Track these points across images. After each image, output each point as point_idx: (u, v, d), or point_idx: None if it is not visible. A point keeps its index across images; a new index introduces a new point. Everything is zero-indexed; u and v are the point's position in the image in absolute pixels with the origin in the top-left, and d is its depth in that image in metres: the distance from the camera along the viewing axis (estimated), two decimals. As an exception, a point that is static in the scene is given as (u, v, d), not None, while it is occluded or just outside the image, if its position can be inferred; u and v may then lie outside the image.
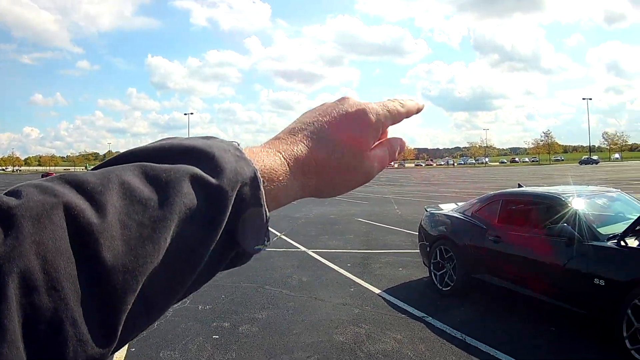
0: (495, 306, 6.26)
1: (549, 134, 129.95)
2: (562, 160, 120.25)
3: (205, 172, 0.42)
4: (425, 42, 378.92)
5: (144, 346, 4.91)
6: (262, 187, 0.46)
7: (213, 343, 5.06)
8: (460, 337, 5.17)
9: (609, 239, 5.17)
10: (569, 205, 5.76)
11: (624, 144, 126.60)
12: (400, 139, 0.64)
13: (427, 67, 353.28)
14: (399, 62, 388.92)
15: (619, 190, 7.03)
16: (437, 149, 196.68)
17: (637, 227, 5.08)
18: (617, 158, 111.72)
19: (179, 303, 3.90)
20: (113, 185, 0.38)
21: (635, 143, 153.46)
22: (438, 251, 7.03)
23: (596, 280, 4.90)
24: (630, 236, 5.14)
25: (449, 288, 6.74)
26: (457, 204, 7.92)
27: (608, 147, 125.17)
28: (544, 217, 5.96)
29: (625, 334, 4.54)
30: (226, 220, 0.43)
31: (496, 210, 6.63)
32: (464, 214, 7.09)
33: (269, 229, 0.48)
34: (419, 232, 7.83)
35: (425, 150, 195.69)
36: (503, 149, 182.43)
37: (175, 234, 0.39)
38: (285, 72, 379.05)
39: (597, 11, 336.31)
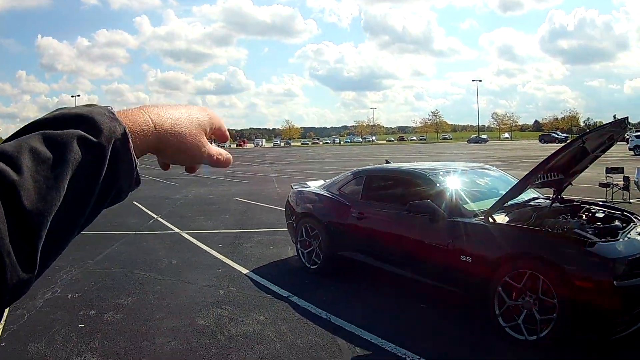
0: (364, 284, 6.36)
1: (437, 113, 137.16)
2: (451, 139, 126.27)
3: (88, 133, 0.58)
4: (315, 23, 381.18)
5: (14, 340, 4.84)
6: (130, 140, 0.63)
7: (78, 332, 5.03)
8: (325, 317, 5.30)
9: (476, 215, 5.27)
10: (435, 181, 5.89)
11: (513, 124, 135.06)
12: (228, 157, 0.81)
13: (315, 47, 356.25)
14: (288, 41, 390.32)
15: (495, 166, 7.29)
16: (324, 128, 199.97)
17: (506, 203, 5.22)
18: (507, 137, 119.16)
19: (50, 293, 4.66)
20: (24, 151, 0.54)
21: (525, 124, 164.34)
22: (304, 229, 7.10)
23: (463, 257, 5.00)
24: (500, 212, 5.29)
25: (316, 266, 6.88)
26: (324, 181, 8.02)
27: (497, 127, 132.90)
28: (409, 193, 6.02)
29: (497, 312, 4.69)
30: (105, 167, 0.59)
31: (360, 187, 6.76)
32: (330, 191, 7.19)
33: (139, 173, 0.65)
34: (285, 210, 7.94)
35: (312, 128, 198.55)
36: (391, 128, 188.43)
37: (70, 182, 0.56)
38: (173, 51, 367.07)
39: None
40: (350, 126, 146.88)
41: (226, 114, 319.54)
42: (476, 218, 5.25)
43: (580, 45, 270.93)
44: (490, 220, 5.09)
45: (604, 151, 5.86)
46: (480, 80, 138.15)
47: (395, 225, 6.05)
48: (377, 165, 7.77)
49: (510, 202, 5.44)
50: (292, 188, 8.06)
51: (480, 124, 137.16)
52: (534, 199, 6.20)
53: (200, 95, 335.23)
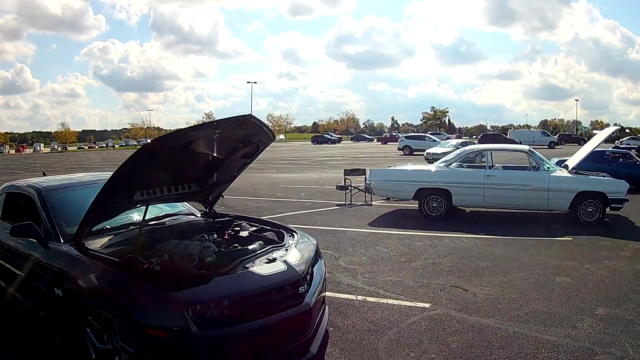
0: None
1: (210, 115, 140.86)
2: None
3: None
4: (105, 19, 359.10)
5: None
6: None
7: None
8: None
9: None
10: (35, 197, 5.34)
11: (288, 125, 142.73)
12: None
13: (102, 45, 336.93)
14: (76, 38, 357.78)
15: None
16: (105, 130, 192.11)
17: (96, 225, 4.82)
18: (282, 139, 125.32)
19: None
20: None
21: (305, 125, 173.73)
22: None
23: (57, 290, 4.48)
24: (108, 234, 4.97)
25: None
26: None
27: (273, 128, 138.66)
28: (19, 212, 5.51)
29: (93, 356, 4.14)
30: None
31: None
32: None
33: None
34: None
35: (92, 132, 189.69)
36: (169, 130, 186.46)
37: None
38: None
39: (283, 2, 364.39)
40: (131, 129, 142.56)
41: (10, 116, 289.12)
42: (70, 243, 4.69)
43: (367, 51, 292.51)
44: (78, 247, 4.56)
45: (251, 156, 5.46)
46: (255, 82, 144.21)
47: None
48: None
49: (133, 220, 5.29)
50: None
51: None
52: (173, 214, 5.96)
53: None
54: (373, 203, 13.59)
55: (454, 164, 12.00)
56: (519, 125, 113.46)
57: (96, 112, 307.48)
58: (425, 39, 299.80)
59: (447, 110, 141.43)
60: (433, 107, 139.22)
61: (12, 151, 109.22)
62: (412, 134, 63.29)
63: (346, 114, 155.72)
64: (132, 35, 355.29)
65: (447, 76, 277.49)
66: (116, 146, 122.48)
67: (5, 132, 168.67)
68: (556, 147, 52.75)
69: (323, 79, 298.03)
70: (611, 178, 11.26)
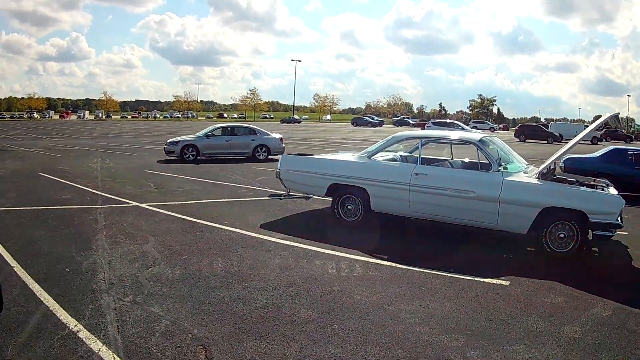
0: None
1: (255, 91, 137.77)
2: (272, 118, 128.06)
3: None
4: None
5: None
6: None
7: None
8: None
9: None
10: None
11: (334, 106, 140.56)
12: None
13: (158, 18, 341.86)
14: (132, 10, 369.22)
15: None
16: (159, 102, 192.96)
17: None
18: (328, 119, 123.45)
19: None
20: None
21: (359, 107, 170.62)
22: None
23: None
24: None
25: None
26: None
27: (319, 108, 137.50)
28: None
29: None
30: None
31: None
32: None
33: None
34: None
35: (146, 102, 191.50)
36: (224, 105, 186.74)
37: None
38: (20, 13, 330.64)
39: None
40: (174, 101, 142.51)
41: (65, 83, 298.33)
42: None
43: (425, 36, 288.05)
44: None
45: None
46: (299, 60, 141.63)
47: None
48: None
49: None
50: None
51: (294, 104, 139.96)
52: None
53: (42, 61, 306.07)
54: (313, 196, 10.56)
55: (377, 155, 8.92)
56: (573, 120, 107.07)
57: (151, 83, 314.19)
58: (484, 26, 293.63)
59: (494, 98, 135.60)
60: (480, 95, 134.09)
61: (56, 117, 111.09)
62: (439, 119, 59.45)
63: (392, 98, 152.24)
64: (189, 9, 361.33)
65: (505, 65, 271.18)
66: (160, 117, 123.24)
67: (58, 98, 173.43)
68: (599, 143, 47.58)
69: (381, 62, 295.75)
70: (602, 191, 7.56)
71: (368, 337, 4.38)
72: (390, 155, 9.34)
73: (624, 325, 4.90)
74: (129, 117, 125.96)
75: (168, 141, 20.51)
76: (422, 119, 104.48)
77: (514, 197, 7.39)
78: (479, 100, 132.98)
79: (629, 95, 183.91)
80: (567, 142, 10.56)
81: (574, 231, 7.11)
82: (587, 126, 55.86)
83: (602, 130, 56.23)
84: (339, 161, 9.25)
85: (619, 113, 7.41)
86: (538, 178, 7.59)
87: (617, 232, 8.06)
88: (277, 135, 21.44)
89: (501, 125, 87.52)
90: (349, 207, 8.60)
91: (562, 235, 7.15)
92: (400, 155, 9.42)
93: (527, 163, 8.61)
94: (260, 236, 7.67)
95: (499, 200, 7.42)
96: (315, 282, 5.78)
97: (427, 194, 7.94)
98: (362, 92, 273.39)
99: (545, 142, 45.48)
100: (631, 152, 14.12)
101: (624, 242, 8.17)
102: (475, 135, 9.07)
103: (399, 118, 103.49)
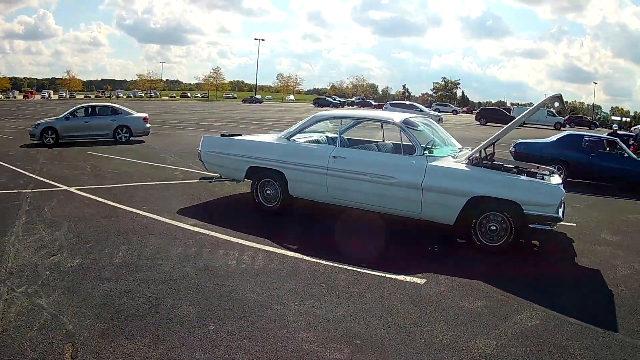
0: None
1: (218, 70, 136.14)
2: (235, 97, 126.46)
3: None
4: None
5: None
6: None
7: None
8: None
9: None
10: None
11: (297, 86, 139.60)
12: None
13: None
14: None
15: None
16: (125, 80, 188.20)
17: None
18: (291, 99, 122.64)
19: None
20: None
21: (324, 87, 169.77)
22: None
23: None
24: None
25: None
26: None
27: (282, 88, 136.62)
28: None
29: None
30: None
31: None
32: None
33: None
34: None
35: (112, 81, 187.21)
36: (189, 84, 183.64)
37: None
38: None
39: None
40: (141, 79, 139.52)
41: (32, 62, 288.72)
42: None
43: (393, 18, 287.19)
44: None
45: None
46: (263, 39, 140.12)
47: None
48: None
49: None
50: None
51: (257, 84, 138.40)
52: None
53: (9, 39, 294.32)
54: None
55: (296, 136, 8.34)
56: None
57: (118, 61, 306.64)
58: (452, 9, 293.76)
59: (458, 81, 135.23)
60: (444, 78, 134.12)
61: (20, 97, 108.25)
62: (398, 101, 59.38)
63: (356, 78, 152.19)
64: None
65: (472, 49, 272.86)
66: (123, 96, 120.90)
67: (24, 78, 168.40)
68: (562, 129, 47.91)
69: (347, 43, 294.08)
70: (540, 180, 6.75)
71: (242, 343, 4.04)
72: (315, 136, 8.89)
73: (550, 339, 4.28)
74: (92, 96, 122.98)
75: (33, 124, 18.86)
76: (386, 100, 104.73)
77: (438, 184, 6.78)
78: (443, 83, 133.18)
79: (596, 83, 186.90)
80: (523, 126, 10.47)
81: (506, 223, 6.54)
82: (551, 111, 56.70)
83: (565, 115, 56.87)
84: (258, 142, 8.69)
85: (560, 94, 6.85)
86: (467, 164, 6.99)
87: (565, 224, 7.80)
88: (140, 115, 19.99)
89: (464, 109, 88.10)
90: (267, 191, 8.22)
91: (493, 228, 6.60)
92: (327, 137, 8.97)
93: (461, 147, 8.11)
94: (174, 222, 7.46)
95: (421, 188, 6.83)
96: (210, 274, 5.51)
97: (346, 179, 7.42)
98: (328, 72, 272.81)
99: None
100: (587, 138, 13.66)
101: (571, 235, 7.68)
102: (399, 115, 8.30)
103: (359, 99, 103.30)
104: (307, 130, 8.46)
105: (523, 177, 6.74)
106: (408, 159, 7.12)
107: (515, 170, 7.12)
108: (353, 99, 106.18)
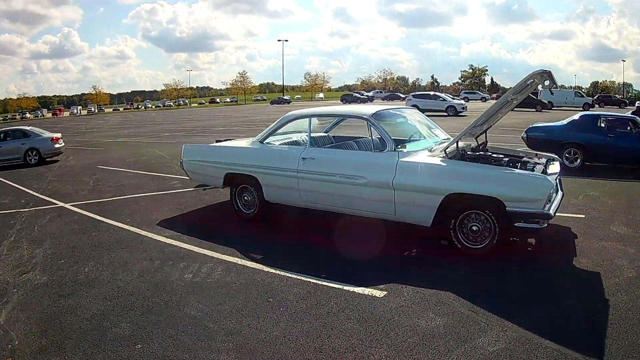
0: None
1: (244, 74, 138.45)
2: (264, 100, 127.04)
3: None
4: None
5: None
6: None
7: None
8: None
9: None
10: None
11: (325, 84, 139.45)
12: None
13: (149, 7, 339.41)
14: (122, 1, 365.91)
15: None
16: (155, 91, 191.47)
17: None
18: (321, 97, 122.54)
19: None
20: None
21: (355, 83, 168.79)
22: None
23: None
24: None
25: None
26: None
27: (309, 87, 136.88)
28: None
29: None
30: None
31: None
32: None
33: None
34: None
35: (142, 92, 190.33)
36: (219, 90, 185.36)
37: None
38: (9, 12, 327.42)
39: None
40: (164, 89, 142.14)
41: (60, 80, 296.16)
42: None
43: (418, 9, 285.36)
44: None
45: None
46: (286, 40, 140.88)
47: None
48: None
49: None
50: None
51: (284, 84, 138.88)
52: None
53: (35, 60, 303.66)
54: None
55: (269, 139, 8.01)
56: (570, 87, 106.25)
57: (147, 72, 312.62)
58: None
59: (486, 68, 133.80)
60: (472, 65, 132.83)
61: (49, 115, 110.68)
62: (420, 92, 58.44)
63: (384, 72, 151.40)
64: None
65: (500, 35, 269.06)
66: (152, 107, 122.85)
67: (53, 96, 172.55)
68: (590, 109, 45.21)
69: (375, 38, 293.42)
70: (523, 171, 6.00)
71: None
72: (296, 137, 8.44)
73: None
74: (121, 108, 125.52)
75: None
76: (417, 91, 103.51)
77: (410, 182, 6.17)
78: (470, 70, 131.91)
79: (624, 61, 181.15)
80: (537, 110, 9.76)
81: (490, 223, 5.83)
82: (579, 92, 55.12)
83: (595, 97, 54.83)
84: (233, 148, 8.57)
85: (550, 71, 6.03)
86: (443, 158, 6.31)
87: (572, 215, 7.29)
88: (49, 135, 19.35)
89: (494, 95, 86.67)
90: (246, 198, 8.03)
91: (475, 228, 5.91)
92: (308, 137, 8.09)
93: (446, 138, 7.43)
94: (149, 235, 7.45)
95: (392, 187, 6.25)
96: (162, 289, 5.37)
97: (316, 182, 7.00)
98: (359, 68, 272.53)
99: (534, 110, 44.03)
100: (603, 118, 12.67)
101: (576, 229, 6.91)
102: (370, 108, 7.50)
103: (386, 93, 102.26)
104: (279, 132, 8.13)
105: (502, 169, 6.04)
106: (378, 156, 6.60)
107: (505, 160, 6.51)
108: (370, 93, 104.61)
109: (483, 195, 5.82)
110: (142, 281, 5.69)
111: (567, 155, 12.40)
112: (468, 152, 6.81)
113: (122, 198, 10.51)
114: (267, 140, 7.99)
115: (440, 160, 6.25)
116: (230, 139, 9.46)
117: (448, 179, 6.04)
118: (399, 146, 6.62)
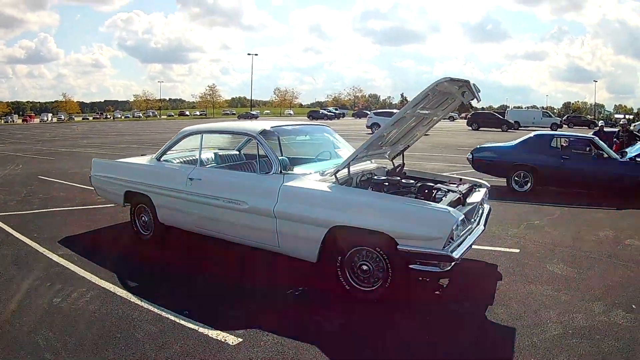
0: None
1: (213, 88, 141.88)
2: (234, 114, 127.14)
3: None
4: None
5: None
6: None
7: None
8: None
9: None
10: None
11: (293, 100, 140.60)
12: None
13: (126, 16, 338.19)
14: (100, 9, 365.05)
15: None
16: (128, 101, 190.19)
17: None
18: (290, 113, 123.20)
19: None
20: None
21: (327, 100, 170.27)
22: None
23: None
24: None
25: None
26: None
27: (280, 102, 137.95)
28: None
29: None
30: None
31: None
32: None
33: None
34: None
35: (115, 102, 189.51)
36: (191, 102, 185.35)
37: None
38: None
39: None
40: (134, 99, 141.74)
41: (35, 86, 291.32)
42: None
43: (393, 27, 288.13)
44: None
45: None
46: (256, 54, 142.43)
47: None
48: None
49: None
50: None
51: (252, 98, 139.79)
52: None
53: (11, 64, 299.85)
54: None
55: (166, 156, 7.57)
56: (542, 107, 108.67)
57: (121, 82, 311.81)
58: (451, 15, 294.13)
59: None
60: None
61: (20, 121, 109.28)
62: (382, 110, 59.15)
63: (353, 89, 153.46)
64: (157, 6, 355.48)
65: (474, 55, 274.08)
66: (121, 117, 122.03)
67: (27, 101, 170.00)
68: (558, 130, 44.88)
69: (349, 54, 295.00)
70: (421, 204, 5.07)
71: None
72: (195, 155, 7.58)
73: None
74: (91, 118, 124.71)
75: None
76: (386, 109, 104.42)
77: (292, 211, 5.43)
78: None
79: (596, 81, 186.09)
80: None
81: (382, 262, 5.01)
82: (547, 113, 55.83)
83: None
84: (131, 164, 8.10)
85: (468, 80, 5.47)
86: (333, 183, 5.53)
87: (506, 250, 6.66)
88: None
89: (464, 114, 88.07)
90: (143, 218, 7.65)
91: (365, 267, 5.14)
92: (215, 154, 7.97)
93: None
94: (45, 252, 7.27)
95: (274, 215, 5.54)
96: (24, 313, 5.15)
97: (202, 204, 6.44)
98: (332, 85, 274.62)
99: (500, 129, 45.08)
100: (558, 138, 12.13)
101: (505, 266, 6.14)
102: (261, 124, 6.68)
103: (336, 110, 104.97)
104: (176, 148, 7.67)
105: (393, 199, 5.24)
106: (262, 179, 5.91)
107: (416, 187, 5.72)
108: (332, 109, 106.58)
109: (372, 230, 4.97)
110: (11, 302, 5.48)
111: (516, 178, 11.96)
112: (375, 177, 6.17)
113: (43, 211, 10.47)
114: (163, 157, 7.56)
115: (327, 186, 5.46)
116: (144, 155, 9.08)
117: (331, 208, 5.21)
118: (286, 168, 5.96)
